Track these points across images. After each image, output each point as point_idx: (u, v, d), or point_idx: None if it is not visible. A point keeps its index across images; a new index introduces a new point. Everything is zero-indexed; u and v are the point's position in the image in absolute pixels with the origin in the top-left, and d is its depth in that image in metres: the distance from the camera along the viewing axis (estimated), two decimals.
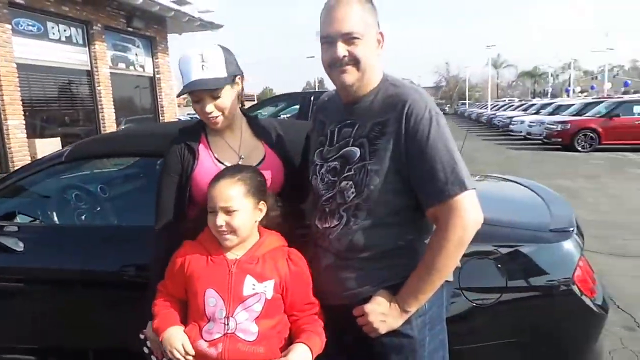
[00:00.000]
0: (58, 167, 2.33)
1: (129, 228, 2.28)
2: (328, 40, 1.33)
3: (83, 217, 2.68)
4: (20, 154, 7.79)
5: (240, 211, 1.35)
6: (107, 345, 2.14)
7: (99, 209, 2.80)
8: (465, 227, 1.24)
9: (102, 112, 9.83)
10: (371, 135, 1.34)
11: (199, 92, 1.50)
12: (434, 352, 1.39)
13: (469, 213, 1.25)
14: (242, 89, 1.65)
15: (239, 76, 1.58)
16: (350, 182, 1.34)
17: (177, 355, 1.34)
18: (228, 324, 1.33)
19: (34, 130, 8.41)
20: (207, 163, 1.57)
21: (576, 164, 11.59)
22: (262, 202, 1.41)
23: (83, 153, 2.34)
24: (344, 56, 1.31)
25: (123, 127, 10.42)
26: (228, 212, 1.34)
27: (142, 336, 1.57)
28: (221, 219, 1.34)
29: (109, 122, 9.95)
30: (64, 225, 2.58)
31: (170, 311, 1.42)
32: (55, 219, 2.55)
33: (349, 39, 1.30)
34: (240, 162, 1.58)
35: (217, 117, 1.54)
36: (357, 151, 1.35)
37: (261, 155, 1.63)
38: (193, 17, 12.20)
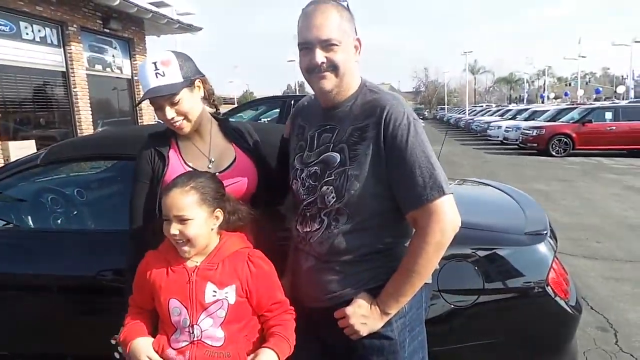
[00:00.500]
0: (33, 171, 2.28)
1: (106, 232, 2.23)
2: (306, 47, 1.34)
3: (59, 220, 2.62)
4: None
5: (194, 220, 1.32)
6: (83, 352, 2.09)
7: (75, 212, 2.74)
8: (443, 231, 1.27)
9: (79, 114, 9.62)
10: (351, 141, 1.36)
11: (157, 100, 1.50)
12: (413, 354, 1.41)
13: (447, 217, 1.27)
14: (210, 92, 1.65)
15: (198, 79, 1.57)
16: (331, 187, 1.36)
17: None
18: (193, 332, 1.33)
19: (8, 133, 8.19)
20: (177, 168, 1.55)
21: (551, 168, 11.89)
22: (218, 209, 1.38)
23: (59, 156, 2.29)
24: (322, 62, 1.33)
25: (100, 129, 10.23)
26: (182, 221, 1.32)
27: (113, 341, 1.54)
28: (175, 228, 1.32)
29: (86, 125, 9.75)
30: (40, 230, 2.52)
31: (136, 322, 1.42)
32: (30, 223, 2.49)
33: (327, 45, 1.31)
34: (210, 166, 1.58)
35: (179, 122, 1.53)
36: (337, 156, 1.37)
37: (231, 158, 1.62)
38: (172, 19, 12.09)
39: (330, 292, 1.39)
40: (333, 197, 1.35)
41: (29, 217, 2.52)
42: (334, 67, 1.33)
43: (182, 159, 1.58)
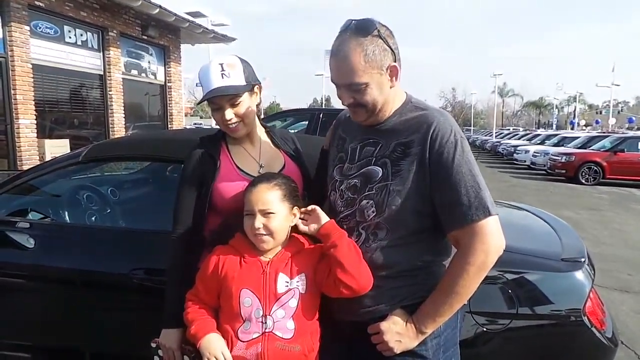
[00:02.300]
0: (74, 167, 2.35)
1: (140, 231, 2.28)
2: (335, 85, 1.35)
3: (93, 218, 2.69)
4: (28, 153, 7.83)
5: (277, 214, 1.38)
6: (111, 350, 2.12)
7: (109, 210, 2.81)
8: (487, 252, 1.25)
9: (112, 117, 9.90)
10: (394, 156, 1.35)
11: (219, 100, 1.54)
12: None
13: (492, 238, 1.25)
14: (260, 100, 1.69)
15: (257, 85, 1.62)
16: (371, 201, 1.35)
17: None
18: (266, 323, 1.34)
19: (44, 131, 8.47)
20: (229, 172, 1.59)
21: (579, 196, 11.58)
22: (295, 207, 1.44)
23: (100, 154, 2.36)
24: (350, 103, 1.34)
25: (131, 132, 10.49)
26: (266, 214, 1.37)
27: (153, 344, 1.55)
28: (259, 221, 1.37)
29: (118, 127, 10.02)
30: (75, 225, 2.58)
31: (207, 318, 1.42)
32: (67, 218, 2.55)
33: (352, 89, 1.31)
34: (260, 171, 1.60)
35: (236, 124, 1.57)
36: (379, 170, 1.36)
37: (281, 164, 1.66)
38: (207, 29, 12.39)
39: (364, 306, 1.37)
40: (373, 212, 1.34)
41: (65, 212, 2.59)
42: (362, 106, 1.34)
43: (234, 162, 1.61)
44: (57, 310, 2.14)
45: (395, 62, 1.33)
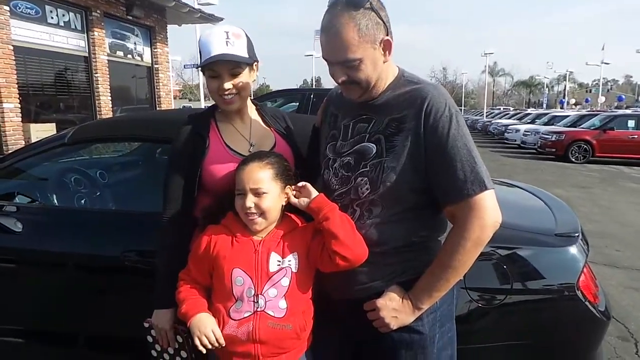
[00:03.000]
0: (60, 149, 2.29)
1: (131, 213, 2.24)
2: (327, 62, 1.31)
3: (82, 201, 2.64)
4: (14, 138, 7.68)
5: (269, 194, 1.36)
6: (105, 331, 2.10)
7: (98, 193, 2.76)
8: (483, 227, 1.23)
9: (99, 100, 9.73)
10: (388, 132, 1.32)
11: (220, 67, 1.48)
12: (442, 350, 1.38)
13: (488, 213, 1.23)
14: (256, 78, 1.64)
15: (256, 63, 1.57)
16: (365, 179, 1.32)
17: (206, 341, 1.32)
18: (257, 302, 1.33)
19: (29, 115, 8.30)
20: (218, 150, 1.55)
21: (570, 174, 11.69)
22: (288, 186, 1.41)
23: (86, 136, 2.29)
24: (343, 80, 1.29)
25: (118, 115, 10.32)
26: (257, 194, 1.35)
27: (146, 324, 1.53)
28: (250, 201, 1.34)
29: (105, 110, 9.86)
30: (65, 208, 2.53)
31: (198, 297, 1.41)
32: (55, 201, 2.50)
33: (346, 65, 1.27)
34: (250, 149, 1.57)
35: (232, 96, 1.52)
36: (373, 147, 1.33)
37: (271, 142, 1.62)
38: (193, 8, 12.15)
39: (359, 283, 1.36)
40: (367, 189, 1.32)
41: (54, 196, 2.53)
42: (356, 83, 1.30)
43: (223, 141, 1.57)
44: (49, 293, 2.11)
45: (387, 35, 1.29)
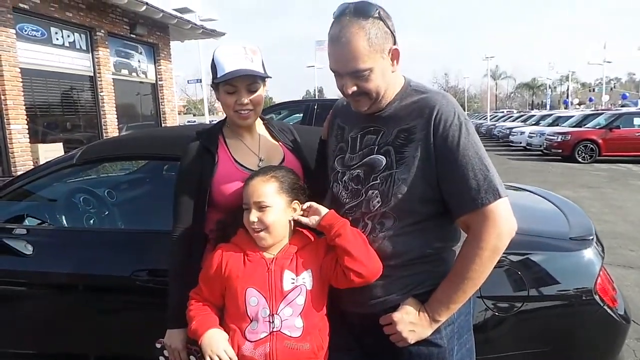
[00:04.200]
0: (69, 170, 2.30)
1: (140, 232, 2.23)
2: (336, 74, 1.30)
3: (91, 221, 2.64)
4: (22, 159, 7.75)
5: (273, 207, 1.34)
6: (115, 352, 2.09)
7: (107, 213, 2.76)
8: (500, 236, 1.21)
9: (105, 118, 9.81)
10: (397, 143, 1.30)
11: (239, 82, 1.49)
12: None
13: (503, 221, 1.21)
14: (266, 94, 1.64)
15: (267, 79, 1.57)
16: (376, 191, 1.30)
17: None
18: (273, 322, 1.31)
19: (37, 135, 8.38)
20: (227, 166, 1.54)
21: (577, 174, 11.59)
22: (295, 201, 1.39)
23: (95, 155, 2.30)
24: (354, 91, 1.28)
25: (124, 133, 10.40)
26: (261, 208, 1.33)
27: (158, 345, 1.52)
28: (254, 215, 1.33)
29: (112, 128, 9.93)
30: (74, 229, 2.54)
31: (208, 314, 1.39)
32: (64, 222, 2.51)
33: (356, 76, 1.26)
34: (260, 164, 1.56)
35: (248, 112, 1.53)
36: (382, 159, 1.31)
37: (280, 156, 1.62)
38: (195, 24, 12.27)
39: (374, 297, 1.34)
40: (378, 202, 1.30)
41: (63, 217, 2.54)
42: (366, 94, 1.29)
43: (232, 156, 1.57)
44: (60, 316, 2.10)
45: (395, 44, 1.28)
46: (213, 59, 1.51)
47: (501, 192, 1.22)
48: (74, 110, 9.48)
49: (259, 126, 1.66)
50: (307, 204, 1.38)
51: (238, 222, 1.42)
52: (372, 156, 1.34)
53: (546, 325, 1.75)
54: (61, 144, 8.57)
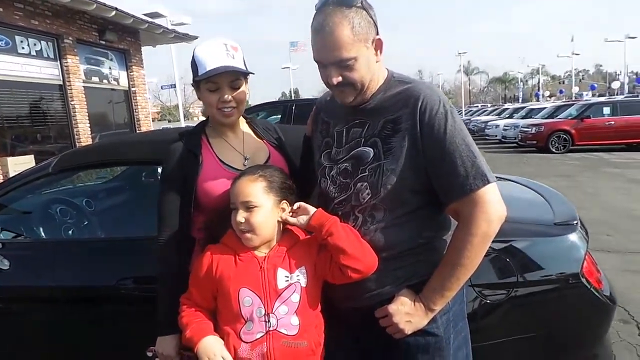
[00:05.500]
0: (44, 179, 2.22)
1: (122, 240, 2.17)
2: (320, 65, 1.29)
3: (70, 231, 2.56)
4: None
5: (261, 208, 1.31)
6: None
7: (86, 222, 2.68)
8: (489, 221, 1.21)
9: (77, 127, 9.55)
10: (384, 134, 1.30)
11: (221, 79, 1.45)
12: (458, 350, 1.35)
13: (492, 206, 1.22)
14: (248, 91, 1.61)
15: (248, 76, 1.54)
16: (365, 184, 1.30)
17: None
18: (269, 321, 1.28)
19: (5, 149, 8.10)
20: (212, 166, 1.51)
21: (552, 164, 11.88)
22: (284, 201, 1.36)
23: (72, 163, 2.23)
24: (339, 82, 1.27)
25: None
26: (248, 208, 1.31)
27: (149, 353, 1.47)
28: (241, 216, 1.30)
29: (84, 137, 9.68)
30: (52, 240, 2.45)
31: (203, 320, 1.35)
32: (42, 234, 2.42)
33: (342, 65, 1.25)
34: (245, 163, 1.53)
35: (231, 109, 1.49)
36: (370, 151, 1.31)
37: (265, 155, 1.59)
38: (167, 29, 12.08)
39: (368, 290, 1.33)
40: (368, 194, 1.29)
41: (40, 228, 2.45)
42: (351, 84, 1.28)
43: (217, 156, 1.53)
44: (43, 332, 2.02)
45: (377, 34, 1.28)
46: (193, 57, 1.48)
47: (489, 177, 1.23)
48: (44, 121, 9.21)
49: (243, 125, 1.63)
50: (297, 204, 1.36)
51: (226, 223, 1.38)
52: (359, 149, 1.33)
53: (536, 310, 1.77)
54: (32, 156, 8.29)
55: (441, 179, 1.26)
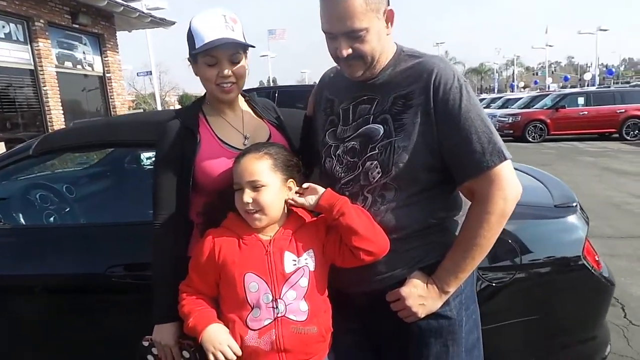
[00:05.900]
0: (25, 162, 2.09)
1: (111, 225, 2.06)
2: (330, 36, 1.22)
3: (51, 218, 2.43)
4: None
5: (268, 187, 1.24)
6: (97, 356, 1.93)
7: (68, 209, 2.56)
8: (506, 199, 1.18)
9: (50, 114, 9.21)
10: (394, 110, 1.24)
11: (221, 52, 1.36)
12: (469, 333, 1.32)
13: (509, 184, 1.19)
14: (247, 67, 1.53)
15: (248, 49, 1.46)
16: (375, 162, 1.24)
17: (222, 357, 1.20)
18: (277, 307, 1.22)
19: None
20: (211, 145, 1.43)
21: (529, 153, 12.08)
22: (290, 179, 1.30)
23: (55, 145, 2.10)
24: (349, 54, 1.21)
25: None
26: (255, 187, 1.23)
27: (145, 343, 1.40)
28: (248, 196, 1.23)
29: (58, 124, 9.34)
30: (34, 227, 2.32)
31: (205, 308, 1.27)
32: (22, 220, 2.29)
33: (353, 36, 1.19)
34: (245, 142, 1.46)
35: (231, 84, 1.41)
36: (380, 128, 1.25)
37: (266, 134, 1.51)
38: (143, 13, 11.72)
39: (378, 273, 1.28)
40: (378, 172, 1.24)
41: (20, 215, 2.32)
42: (362, 57, 1.22)
43: (215, 135, 1.45)
44: (29, 323, 1.91)
45: (389, 5, 1.22)
46: (190, 29, 1.38)
47: (506, 154, 1.20)
48: (14, 107, 8.85)
49: (241, 102, 1.55)
50: (306, 184, 1.29)
51: (227, 205, 1.31)
52: (367, 126, 1.28)
53: (538, 292, 1.76)
54: (2, 143, 7.95)
55: (456, 156, 1.21)
